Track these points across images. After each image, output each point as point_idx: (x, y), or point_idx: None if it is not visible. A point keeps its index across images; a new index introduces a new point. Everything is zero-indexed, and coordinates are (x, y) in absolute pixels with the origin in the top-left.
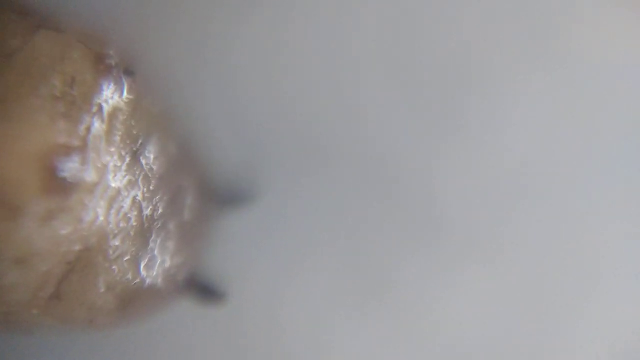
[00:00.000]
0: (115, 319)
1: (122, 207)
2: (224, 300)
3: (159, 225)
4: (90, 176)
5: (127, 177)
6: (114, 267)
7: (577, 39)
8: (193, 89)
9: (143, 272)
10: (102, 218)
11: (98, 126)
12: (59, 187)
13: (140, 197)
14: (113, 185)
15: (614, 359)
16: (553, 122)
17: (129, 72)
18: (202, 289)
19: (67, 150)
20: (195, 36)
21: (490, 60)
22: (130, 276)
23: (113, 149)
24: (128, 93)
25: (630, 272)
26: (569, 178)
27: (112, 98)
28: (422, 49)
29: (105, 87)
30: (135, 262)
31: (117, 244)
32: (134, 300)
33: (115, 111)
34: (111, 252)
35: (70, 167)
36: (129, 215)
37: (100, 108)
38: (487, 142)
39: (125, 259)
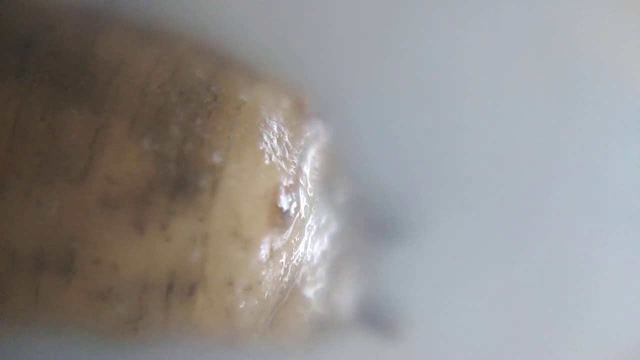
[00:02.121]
0: (307, 346)
1: (321, 242)
2: (399, 335)
3: (339, 261)
4: (301, 212)
5: (324, 215)
6: (311, 298)
7: (577, 39)
8: (363, 131)
9: (329, 304)
10: (306, 252)
11: (303, 167)
12: (281, 221)
13: (331, 234)
14: (314, 222)
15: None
16: (554, 122)
17: (322, 117)
18: (376, 323)
19: (286, 189)
20: (369, 85)
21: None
22: (320, 308)
23: (313, 188)
24: (322, 136)
25: (631, 272)
26: (572, 179)
27: (311, 141)
28: None
29: (307, 132)
30: (324, 294)
31: (314, 276)
32: (321, 330)
33: (313, 153)
34: (310, 284)
35: (289, 204)
36: (324, 250)
37: (304, 151)
38: None
39: (318, 291)
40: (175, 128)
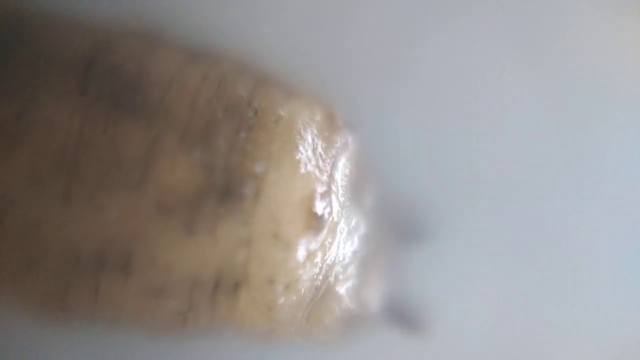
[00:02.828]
0: (337, 340)
1: (352, 243)
2: (422, 330)
3: (367, 260)
4: (333, 216)
5: (354, 218)
6: (343, 295)
7: (573, 40)
8: (388, 139)
9: (358, 300)
10: (338, 252)
11: (335, 174)
12: (316, 225)
13: (360, 235)
14: (345, 224)
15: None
16: (550, 122)
17: (350, 128)
18: (402, 318)
19: (320, 195)
20: (393, 97)
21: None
22: (350, 303)
23: (343, 194)
24: (351, 145)
25: (631, 270)
26: (585, 179)
27: (341, 150)
28: None
29: (337, 142)
30: (354, 291)
31: (345, 275)
32: (351, 325)
33: (343, 161)
34: (342, 282)
35: (323, 209)
36: (354, 251)
37: (336, 159)
38: None
39: (349, 288)
40: (221, 141)
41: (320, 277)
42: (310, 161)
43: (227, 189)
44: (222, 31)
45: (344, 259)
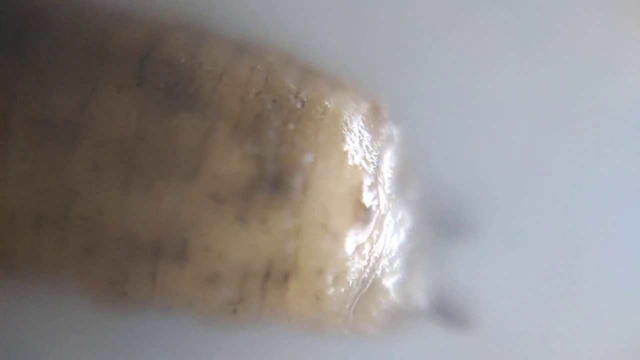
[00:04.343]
0: (383, 333)
1: (398, 237)
2: (468, 325)
3: (414, 254)
4: (381, 209)
5: (400, 211)
6: (390, 289)
7: (569, 39)
8: (434, 132)
9: (404, 294)
10: (385, 245)
11: (381, 167)
12: (364, 216)
13: (406, 229)
14: (391, 218)
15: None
16: (547, 121)
17: (396, 120)
18: (448, 313)
19: (368, 187)
20: (438, 90)
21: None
22: (397, 297)
23: (389, 187)
24: (396, 138)
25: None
26: (567, 178)
27: (387, 143)
28: None
29: (383, 134)
30: (401, 285)
31: (392, 268)
32: (397, 319)
33: (389, 154)
34: (388, 275)
35: (371, 201)
36: (401, 244)
37: (381, 152)
38: None
39: (396, 282)
40: (271, 132)
41: (368, 270)
42: (357, 153)
43: (276, 179)
44: (267, 24)
45: (390, 252)
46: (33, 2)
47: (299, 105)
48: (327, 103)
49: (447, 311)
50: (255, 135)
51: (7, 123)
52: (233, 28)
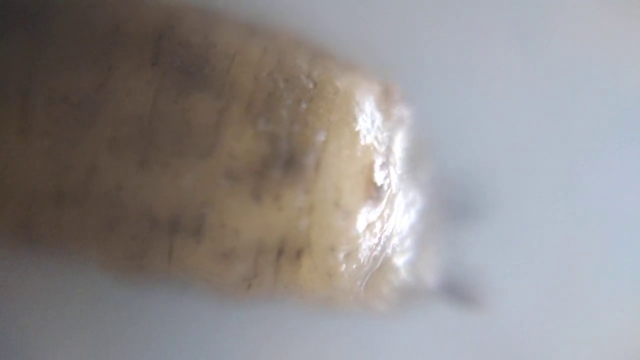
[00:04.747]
0: (393, 311)
1: (409, 216)
2: (478, 304)
3: (424, 234)
4: (392, 188)
5: (411, 192)
6: (400, 267)
7: (568, 37)
8: (445, 113)
9: (415, 273)
10: (396, 224)
11: (393, 147)
12: (376, 195)
13: (417, 209)
14: (402, 198)
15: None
16: (558, 105)
17: (407, 101)
18: (458, 293)
19: (380, 166)
20: (450, 71)
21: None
22: (408, 276)
23: (401, 167)
24: (408, 119)
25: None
26: (563, 179)
27: (398, 124)
28: None
29: (394, 115)
30: (411, 264)
31: (403, 247)
32: (407, 298)
33: (400, 135)
34: (399, 254)
35: (382, 179)
36: (411, 224)
37: (393, 132)
38: None
39: (407, 261)
40: (284, 111)
41: (379, 248)
42: (369, 132)
43: (290, 158)
44: (279, 6)
45: (401, 231)
46: None
47: (311, 85)
48: (338, 83)
49: (456, 291)
50: (268, 114)
51: (28, 101)
52: (245, 10)
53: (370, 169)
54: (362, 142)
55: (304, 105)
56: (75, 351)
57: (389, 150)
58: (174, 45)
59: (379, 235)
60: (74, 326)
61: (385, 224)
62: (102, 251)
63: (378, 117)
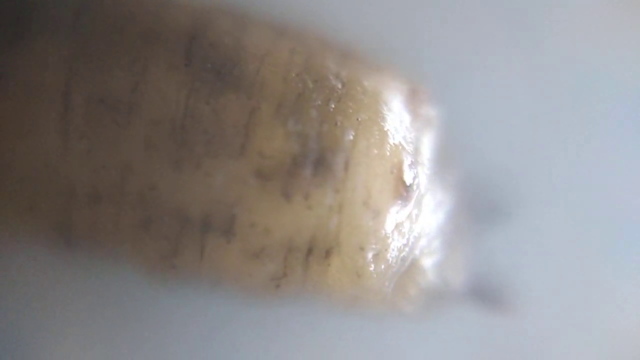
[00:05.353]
0: (420, 313)
1: (437, 217)
2: (506, 308)
3: (452, 235)
4: (420, 189)
5: (438, 193)
6: (428, 269)
7: (566, 34)
8: (472, 114)
9: (442, 275)
10: (424, 225)
11: (421, 147)
12: (405, 194)
13: (445, 210)
14: (431, 198)
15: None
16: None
17: (435, 102)
18: (485, 296)
19: (409, 166)
20: (479, 71)
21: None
22: (435, 278)
23: (429, 168)
24: (435, 119)
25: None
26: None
27: (426, 124)
28: None
29: (422, 116)
30: (439, 266)
31: (431, 249)
32: (434, 299)
33: (428, 136)
34: (427, 256)
35: (411, 179)
36: (439, 225)
37: (420, 132)
38: None
39: (434, 263)
40: (313, 111)
41: (407, 249)
42: (397, 132)
43: (319, 157)
44: (307, 7)
45: (429, 232)
46: None
47: (339, 85)
48: (366, 83)
49: (484, 293)
50: (297, 114)
51: (67, 102)
52: (274, 11)
53: (399, 169)
54: (391, 142)
55: (332, 105)
56: (107, 350)
57: (417, 150)
58: (205, 48)
59: (407, 236)
60: (105, 326)
61: (414, 224)
62: (136, 250)
63: (406, 117)
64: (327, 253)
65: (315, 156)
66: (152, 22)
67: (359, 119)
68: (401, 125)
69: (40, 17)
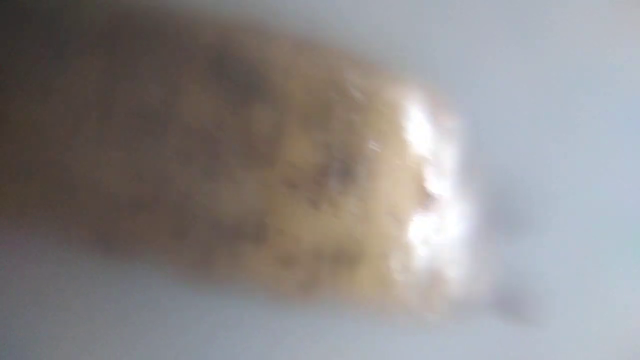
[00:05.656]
0: (445, 323)
1: (461, 228)
2: (532, 318)
3: (477, 246)
4: (444, 199)
5: (463, 203)
6: (453, 279)
7: (567, 32)
8: (495, 124)
9: (468, 285)
10: (449, 236)
11: (443, 157)
12: (428, 204)
13: (470, 221)
14: (455, 208)
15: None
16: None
17: (457, 113)
18: (511, 306)
19: (431, 175)
20: (502, 82)
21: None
22: (460, 288)
23: (452, 178)
24: (458, 130)
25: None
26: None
27: (449, 135)
28: None
29: (445, 126)
30: (464, 276)
31: (456, 259)
32: (459, 309)
33: (451, 146)
34: (452, 266)
35: (434, 189)
36: (464, 236)
37: (443, 142)
38: None
39: (460, 274)
40: (337, 122)
41: (432, 259)
42: (419, 142)
43: (344, 167)
44: (329, 22)
45: (453, 243)
46: (123, 10)
47: (362, 97)
48: (388, 95)
49: (508, 303)
50: (322, 125)
51: (107, 115)
52: (298, 27)
53: (422, 178)
54: (413, 152)
55: (355, 117)
56: (143, 352)
57: (439, 161)
58: (233, 63)
59: (432, 246)
60: (138, 330)
61: (438, 234)
62: (171, 257)
63: (428, 128)
64: (354, 261)
65: (341, 166)
66: (184, 39)
67: (382, 131)
68: (423, 135)
69: (80, 36)
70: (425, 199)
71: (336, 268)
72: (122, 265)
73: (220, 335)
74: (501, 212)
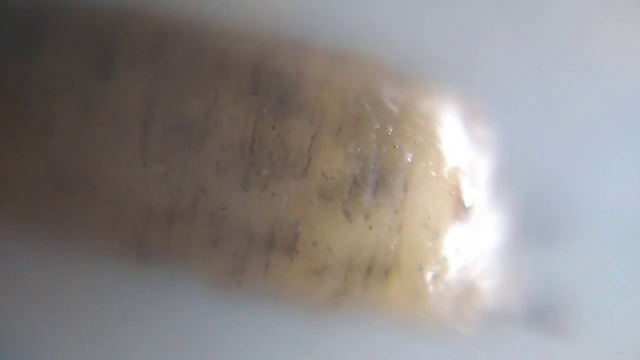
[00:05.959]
0: (478, 336)
1: (495, 239)
2: (566, 332)
3: (511, 257)
4: (479, 210)
5: (497, 213)
6: (487, 291)
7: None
8: (531, 133)
9: (501, 297)
10: (483, 247)
11: (478, 167)
12: (463, 215)
13: (503, 231)
14: (489, 219)
15: None
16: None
17: (491, 122)
18: (545, 320)
19: (467, 187)
20: (535, 92)
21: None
22: (493, 300)
23: (487, 189)
24: (492, 139)
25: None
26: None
27: (484, 145)
28: None
29: (479, 137)
30: (497, 287)
31: (490, 270)
32: (493, 322)
33: (485, 156)
34: (486, 277)
35: (470, 200)
36: (498, 247)
37: (478, 152)
38: None
39: (493, 285)
40: (371, 134)
41: (466, 270)
42: (454, 154)
43: (379, 178)
44: (362, 34)
45: (488, 254)
46: (162, 23)
47: (396, 108)
48: (422, 106)
49: (543, 317)
50: (357, 137)
51: (146, 129)
52: (331, 40)
53: (457, 190)
54: (449, 163)
55: (390, 128)
56: None
57: (475, 172)
58: (269, 76)
59: (466, 258)
60: (170, 338)
61: (473, 246)
62: (205, 266)
63: (463, 139)
64: (387, 273)
65: (375, 177)
66: (222, 53)
67: (417, 142)
68: (458, 146)
69: (124, 54)
70: (460, 210)
71: (369, 279)
72: (156, 273)
73: (251, 345)
74: (535, 222)
